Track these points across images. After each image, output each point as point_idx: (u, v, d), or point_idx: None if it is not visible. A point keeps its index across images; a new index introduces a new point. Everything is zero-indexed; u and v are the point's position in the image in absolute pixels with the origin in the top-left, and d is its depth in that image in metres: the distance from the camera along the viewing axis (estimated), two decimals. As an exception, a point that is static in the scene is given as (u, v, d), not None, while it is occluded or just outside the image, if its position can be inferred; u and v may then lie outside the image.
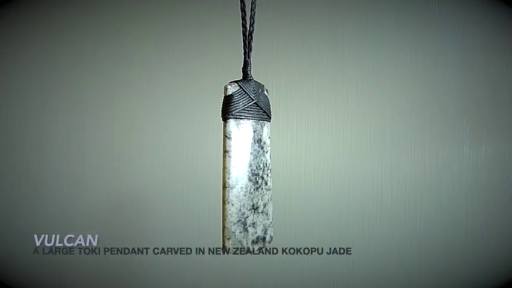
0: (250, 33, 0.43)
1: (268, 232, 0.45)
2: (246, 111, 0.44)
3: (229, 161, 0.43)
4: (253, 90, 0.44)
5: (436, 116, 0.76)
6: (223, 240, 0.43)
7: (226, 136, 0.43)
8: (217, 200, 0.77)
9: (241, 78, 0.45)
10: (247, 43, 0.43)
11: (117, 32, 0.80)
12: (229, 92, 0.43)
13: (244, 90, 0.44)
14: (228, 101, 0.43)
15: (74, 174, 0.80)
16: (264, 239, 0.45)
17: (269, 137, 0.45)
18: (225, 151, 0.43)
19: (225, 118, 0.43)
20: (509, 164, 0.75)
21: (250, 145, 0.44)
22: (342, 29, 0.77)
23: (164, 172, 0.79)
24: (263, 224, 0.45)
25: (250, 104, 0.44)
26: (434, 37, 0.77)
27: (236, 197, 0.43)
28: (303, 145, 0.77)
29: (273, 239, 0.46)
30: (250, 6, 0.43)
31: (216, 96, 0.77)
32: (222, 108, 0.43)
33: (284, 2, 0.78)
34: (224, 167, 0.43)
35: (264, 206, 0.45)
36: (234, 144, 0.43)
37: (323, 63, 0.77)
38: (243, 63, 0.44)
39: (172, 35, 0.79)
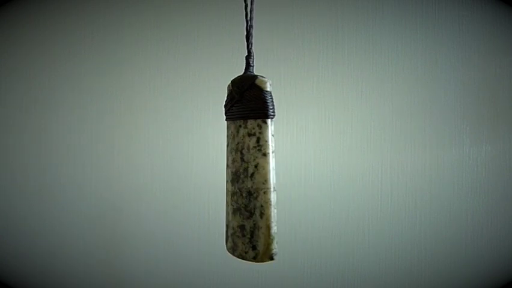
0: (251, 27, 0.43)
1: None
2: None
3: (273, 162, 0.40)
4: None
5: (436, 116, 0.76)
6: (275, 247, 0.40)
7: (273, 135, 0.40)
8: (218, 201, 0.77)
9: (244, 69, 0.43)
10: (250, 34, 0.43)
11: (118, 34, 0.80)
12: (269, 88, 0.40)
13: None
14: (270, 99, 0.40)
15: (76, 176, 0.79)
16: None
17: None
18: (272, 151, 0.40)
19: (273, 116, 0.40)
20: (509, 164, 0.75)
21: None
22: (342, 28, 0.77)
23: (165, 173, 0.79)
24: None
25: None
26: (434, 37, 0.77)
27: None
28: (303, 145, 0.77)
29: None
30: (250, 6, 0.43)
31: (215, 96, 0.77)
32: (266, 104, 0.40)
33: (285, 2, 0.78)
34: (273, 169, 0.40)
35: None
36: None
37: (323, 63, 0.77)
38: (249, 58, 0.43)
39: (173, 36, 0.79)
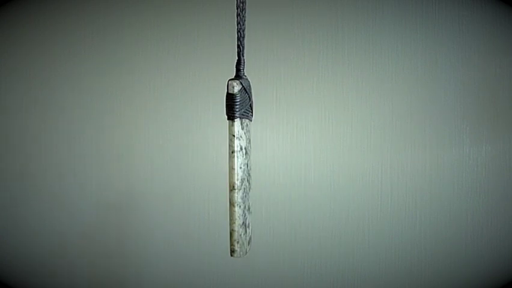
0: (243, 31, 0.43)
1: (252, 231, 0.46)
2: (246, 111, 0.44)
3: (237, 161, 0.42)
4: (249, 89, 0.44)
5: (436, 116, 0.76)
6: (233, 244, 0.42)
7: (234, 136, 0.42)
8: (218, 201, 0.77)
9: (234, 76, 0.44)
10: (240, 40, 0.43)
11: (118, 34, 0.80)
12: (235, 90, 0.42)
13: (245, 89, 0.44)
14: (234, 99, 0.42)
15: (76, 176, 0.79)
16: (251, 238, 0.45)
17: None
18: (233, 151, 0.42)
19: (233, 117, 0.42)
20: (509, 164, 0.75)
21: (247, 145, 0.44)
22: (342, 28, 0.77)
23: (165, 173, 0.79)
24: (251, 224, 0.45)
25: (249, 103, 0.44)
26: (434, 37, 0.77)
27: (241, 199, 0.42)
28: (303, 145, 0.77)
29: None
30: (241, 5, 0.43)
31: (215, 96, 0.77)
32: (228, 106, 0.42)
33: (285, 2, 0.78)
34: (232, 168, 0.42)
35: (251, 205, 0.45)
36: (241, 145, 0.42)
37: (323, 63, 0.77)
38: (237, 60, 0.44)
39: (173, 36, 0.79)
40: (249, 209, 0.44)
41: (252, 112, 0.45)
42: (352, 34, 0.77)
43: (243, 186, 0.43)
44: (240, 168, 0.42)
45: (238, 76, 0.44)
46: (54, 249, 0.80)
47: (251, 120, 0.46)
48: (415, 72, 0.77)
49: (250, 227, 0.45)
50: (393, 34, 0.77)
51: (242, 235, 0.42)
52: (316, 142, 0.77)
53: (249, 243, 0.44)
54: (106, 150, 0.79)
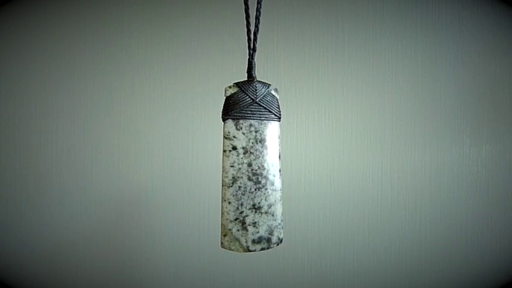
0: (255, 34, 0.44)
1: (275, 234, 0.45)
2: (246, 111, 0.44)
3: (227, 160, 0.44)
4: (255, 90, 0.44)
5: (436, 116, 0.76)
6: (220, 237, 0.44)
7: (224, 136, 0.44)
8: (218, 199, 0.77)
9: (246, 78, 0.45)
10: (251, 44, 0.44)
11: (119, 34, 0.80)
12: (228, 94, 0.44)
13: (244, 91, 0.44)
14: (226, 102, 0.45)
15: (76, 175, 0.79)
16: (269, 240, 0.45)
17: (278, 137, 0.46)
18: (223, 150, 0.44)
19: (223, 118, 0.44)
20: (509, 164, 0.75)
21: (250, 145, 0.44)
22: (342, 29, 0.77)
23: (166, 172, 0.79)
24: (267, 225, 0.45)
25: (250, 104, 0.44)
26: (434, 37, 0.77)
27: (233, 196, 0.44)
28: (304, 145, 0.77)
29: (283, 241, 0.46)
30: (256, 6, 0.43)
31: (220, 97, 0.78)
32: (222, 109, 0.44)
33: (285, 2, 0.78)
34: (222, 166, 0.44)
35: (269, 206, 0.45)
36: (232, 144, 0.44)
37: (323, 63, 0.77)
38: (247, 64, 0.45)
39: (175, 36, 0.79)
40: (258, 208, 0.44)
41: (269, 112, 0.45)
42: (352, 34, 0.77)
43: (237, 184, 0.43)
44: (232, 166, 0.43)
45: (249, 79, 0.45)
46: (54, 249, 0.80)
47: (278, 120, 0.46)
48: (415, 72, 0.77)
49: (262, 227, 0.45)
50: (393, 34, 0.77)
51: (236, 231, 0.43)
52: (316, 142, 0.77)
53: (255, 242, 0.44)
54: (106, 150, 0.79)
